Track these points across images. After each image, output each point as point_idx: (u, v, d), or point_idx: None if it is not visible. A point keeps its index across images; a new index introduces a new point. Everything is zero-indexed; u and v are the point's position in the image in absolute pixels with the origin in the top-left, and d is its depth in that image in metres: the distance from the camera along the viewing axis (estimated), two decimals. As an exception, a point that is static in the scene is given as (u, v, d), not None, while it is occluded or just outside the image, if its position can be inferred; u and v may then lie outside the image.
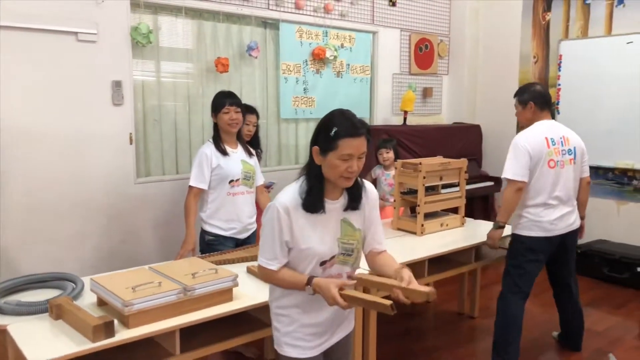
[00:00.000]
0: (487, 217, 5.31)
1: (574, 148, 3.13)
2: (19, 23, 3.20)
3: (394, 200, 3.55)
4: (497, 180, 5.59)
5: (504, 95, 5.78)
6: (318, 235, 1.76)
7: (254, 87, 4.49)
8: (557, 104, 5.27)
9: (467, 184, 3.85)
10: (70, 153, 3.48)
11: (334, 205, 1.79)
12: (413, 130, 5.15)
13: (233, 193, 3.09)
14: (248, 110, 3.43)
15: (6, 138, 3.23)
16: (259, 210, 3.28)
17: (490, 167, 5.81)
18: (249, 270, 2.56)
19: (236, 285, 2.21)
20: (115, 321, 1.91)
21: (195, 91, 4.15)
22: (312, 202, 1.73)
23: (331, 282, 1.70)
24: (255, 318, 2.27)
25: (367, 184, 1.91)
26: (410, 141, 4.99)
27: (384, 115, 5.46)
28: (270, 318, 1.91)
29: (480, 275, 4.04)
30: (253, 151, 3.29)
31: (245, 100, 3.70)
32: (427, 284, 4.19)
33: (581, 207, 3.26)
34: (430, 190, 3.54)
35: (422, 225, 3.38)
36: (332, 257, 1.80)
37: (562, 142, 3.10)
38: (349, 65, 5.05)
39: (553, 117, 3.27)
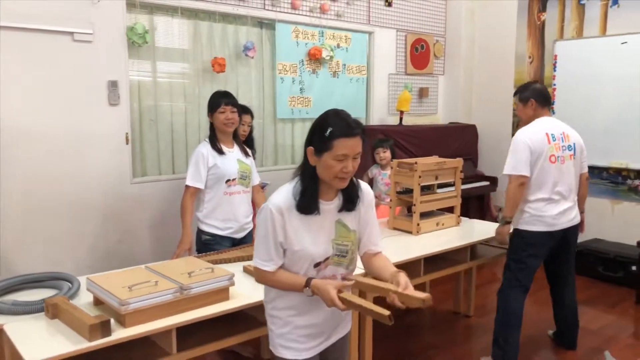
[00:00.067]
0: (482, 216, 5.34)
1: (574, 144, 3.20)
2: (15, 23, 3.20)
3: (390, 200, 3.56)
4: (493, 180, 5.62)
5: (499, 95, 5.83)
6: (311, 237, 1.75)
7: (250, 87, 4.50)
8: (553, 104, 5.29)
9: (463, 183, 3.87)
10: (66, 153, 3.48)
11: (329, 206, 1.78)
12: (409, 130, 5.17)
13: (229, 192, 3.10)
14: (243, 110, 3.44)
15: (2, 138, 3.23)
16: (255, 209, 3.30)
17: (486, 167, 5.84)
18: (246, 270, 2.57)
19: (232, 284, 2.22)
20: (112, 320, 1.91)
21: (191, 91, 4.15)
22: (306, 204, 1.72)
23: (330, 284, 1.70)
24: (251, 317, 2.28)
25: (363, 185, 1.89)
26: (406, 141, 5.00)
27: (380, 115, 5.48)
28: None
29: (475, 275, 4.06)
30: (249, 151, 3.29)
31: (241, 100, 3.71)
32: (423, 284, 4.21)
33: (581, 202, 3.31)
34: (426, 189, 3.55)
35: (418, 224, 3.40)
36: (327, 259, 1.78)
37: (562, 138, 3.16)
38: (345, 65, 5.06)
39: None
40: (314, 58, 4.75)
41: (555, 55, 5.32)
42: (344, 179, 1.71)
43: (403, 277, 1.70)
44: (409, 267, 2.98)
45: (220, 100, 3.07)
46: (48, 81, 3.37)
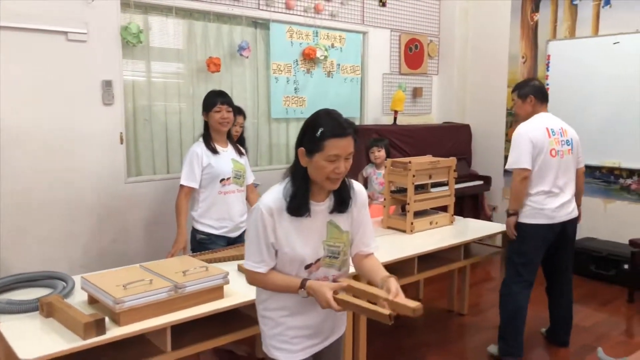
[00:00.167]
0: (476, 215, 5.37)
1: (571, 139, 3.28)
2: (9, 22, 3.19)
3: (384, 199, 3.58)
4: (487, 180, 5.65)
5: (493, 95, 5.86)
6: (302, 238, 1.73)
7: (245, 86, 4.51)
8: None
9: (457, 183, 3.89)
10: (60, 152, 3.48)
11: (320, 207, 1.76)
12: (403, 129, 5.19)
13: (224, 192, 3.11)
14: (236, 111, 3.45)
15: (-4, 138, 3.23)
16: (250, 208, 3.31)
17: (480, 167, 5.87)
18: (240, 269, 2.57)
19: (227, 282, 2.23)
20: (107, 319, 1.92)
21: (185, 91, 4.15)
22: (297, 206, 1.69)
23: (326, 285, 1.68)
24: (246, 315, 2.29)
25: (356, 185, 1.86)
26: (400, 141, 5.02)
27: (374, 115, 5.49)
28: (259, 317, 1.91)
29: (469, 273, 4.08)
30: (243, 150, 3.30)
31: (236, 100, 3.71)
32: (417, 283, 4.21)
33: (578, 195, 3.38)
34: (420, 188, 3.57)
35: (412, 223, 3.41)
36: (317, 260, 1.77)
37: (561, 133, 3.24)
38: (339, 65, 5.08)
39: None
40: (309, 58, 4.76)
41: (548, 55, 5.35)
42: (336, 179, 1.69)
43: (394, 283, 1.67)
44: (403, 265, 3.00)
45: (216, 99, 3.08)
46: (42, 81, 3.37)
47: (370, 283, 1.82)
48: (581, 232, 4.94)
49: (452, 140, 5.60)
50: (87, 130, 3.57)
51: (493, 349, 3.39)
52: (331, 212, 1.77)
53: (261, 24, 4.55)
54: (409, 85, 5.78)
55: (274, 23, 4.55)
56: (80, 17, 3.48)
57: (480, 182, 5.59)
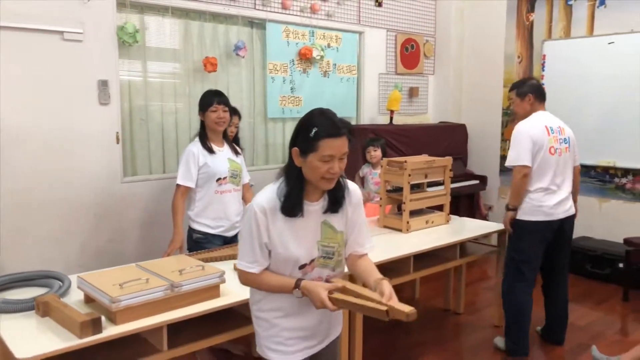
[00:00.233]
0: (472, 215, 5.38)
1: (568, 138, 3.33)
2: (4, 22, 3.19)
3: (380, 199, 3.59)
4: (483, 179, 5.66)
5: (489, 95, 5.88)
6: (295, 239, 1.71)
7: (241, 86, 4.51)
8: (541, 103, 5.34)
9: (453, 182, 3.90)
10: (56, 152, 3.47)
11: (314, 207, 1.74)
12: (399, 129, 5.20)
13: (220, 191, 3.11)
14: (231, 111, 3.45)
15: (-9, 137, 3.22)
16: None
17: (476, 166, 5.89)
18: (236, 268, 2.57)
19: (223, 281, 2.24)
20: (103, 318, 1.92)
21: (182, 91, 4.15)
22: (291, 206, 1.68)
23: (320, 285, 1.67)
24: (242, 314, 2.29)
25: (351, 185, 1.84)
26: (396, 140, 5.03)
27: (370, 114, 5.50)
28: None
29: (465, 272, 4.09)
30: (239, 150, 3.31)
31: (232, 99, 3.71)
32: (413, 282, 4.22)
33: (575, 193, 3.42)
34: (416, 188, 3.58)
35: (408, 222, 3.42)
36: (312, 261, 1.75)
37: (559, 131, 3.29)
38: (335, 65, 5.08)
39: None
40: (305, 58, 4.77)
41: (544, 55, 5.37)
42: (330, 179, 1.67)
43: (387, 286, 1.65)
44: (399, 264, 3.01)
45: (212, 99, 3.08)
46: (38, 80, 3.36)
47: (363, 284, 1.81)
48: (576, 231, 4.93)
49: (448, 140, 5.62)
50: (83, 130, 3.57)
51: (500, 341, 3.45)
52: (325, 212, 1.76)
53: (257, 24, 4.55)
54: (405, 85, 5.79)
55: (270, 23, 4.55)
56: (76, 17, 3.48)
57: (476, 182, 5.60)
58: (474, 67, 6.01)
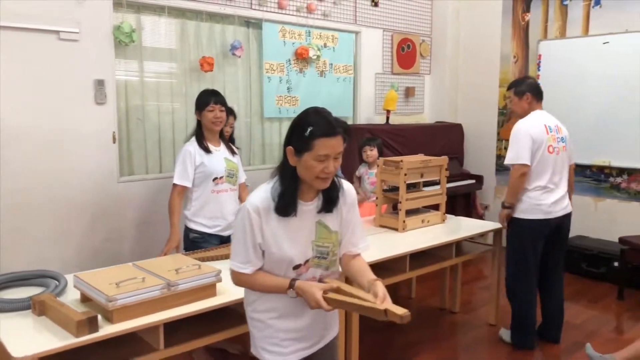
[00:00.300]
0: (469, 214, 5.40)
1: (565, 136, 3.37)
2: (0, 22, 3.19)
3: (377, 198, 3.60)
4: (479, 179, 5.68)
5: (485, 94, 5.90)
6: (290, 239, 1.70)
7: (238, 86, 4.51)
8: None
9: (449, 182, 3.92)
10: (53, 152, 3.47)
11: (309, 207, 1.73)
12: (396, 129, 5.21)
13: (217, 191, 3.12)
14: (227, 111, 3.45)
15: (-13, 137, 3.22)
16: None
17: (472, 166, 5.90)
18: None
19: (219, 280, 2.24)
20: (99, 317, 1.92)
21: (178, 90, 4.16)
22: (285, 206, 1.67)
23: (315, 285, 1.66)
24: (238, 313, 2.29)
25: (345, 184, 1.83)
26: (393, 140, 5.04)
27: (366, 114, 5.51)
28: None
29: (461, 271, 4.11)
30: (236, 149, 3.31)
31: (228, 99, 3.72)
32: (409, 280, 4.23)
33: (570, 191, 3.46)
34: (412, 187, 3.59)
35: (404, 221, 3.43)
36: (307, 261, 1.74)
37: (556, 130, 3.32)
38: (332, 64, 5.09)
39: None
40: (301, 57, 4.77)
41: (540, 55, 5.39)
42: (325, 179, 1.66)
43: (381, 287, 1.63)
44: (395, 263, 3.02)
45: (209, 98, 3.08)
46: (34, 80, 3.36)
47: (357, 285, 1.79)
48: (572, 231, 4.95)
49: (445, 139, 5.63)
50: (79, 130, 3.57)
51: (504, 333, 3.50)
52: (319, 211, 1.75)
53: (254, 24, 4.56)
54: (402, 84, 5.81)
55: (267, 23, 4.56)
56: (72, 17, 3.47)
57: (472, 181, 5.62)
58: (470, 67, 6.03)
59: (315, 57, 4.84)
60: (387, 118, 5.44)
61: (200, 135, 3.12)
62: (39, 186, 3.42)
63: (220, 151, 3.16)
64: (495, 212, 3.33)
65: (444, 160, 3.68)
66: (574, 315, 3.97)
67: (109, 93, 3.68)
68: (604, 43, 4.91)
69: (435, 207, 3.72)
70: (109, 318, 1.95)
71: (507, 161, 3.28)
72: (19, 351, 1.73)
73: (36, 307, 2.02)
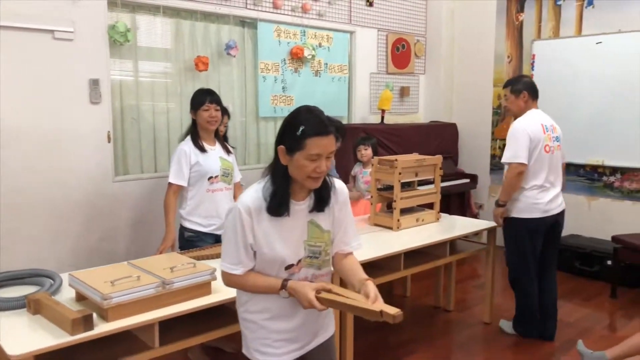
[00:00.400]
0: (463, 213, 5.41)
1: (559, 136, 3.42)
2: (-5, 21, 3.19)
3: (371, 197, 3.61)
4: (473, 178, 5.70)
5: (479, 94, 5.92)
6: (282, 239, 1.68)
7: (233, 85, 4.52)
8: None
9: (444, 181, 3.93)
10: (47, 151, 3.47)
11: (300, 206, 1.71)
12: (390, 128, 5.22)
13: (212, 190, 3.12)
14: (222, 111, 3.45)
15: (-18, 136, 3.22)
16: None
17: (466, 165, 5.93)
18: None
19: (214, 278, 2.24)
20: (94, 315, 1.93)
21: (173, 90, 4.16)
22: (277, 206, 1.65)
23: (307, 285, 1.65)
24: (233, 311, 2.27)
25: (337, 183, 1.82)
26: (387, 139, 5.06)
27: (361, 114, 5.53)
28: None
29: (455, 270, 4.12)
30: (231, 148, 3.32)
31: (223, 98, 3.72)
32: (404, 279, 4.23)
33: (562, 188, 3.50)
34: (406, 186, 3.61)
35: (398, 220, 3.45)
36: (299, 261, 1.73)
37: (552, 129, 3.36)
38: (327, 64, 5.10)
39: None
40: (296, 57, 4.78)
41: (533, 55, 5.42)
42: (317, 178, 1.64)
43: (372, 288, 1.62)
44: (389, 262, 3.03)
45: (204, 97, 3.08)
46: (28, 80, 3.36)
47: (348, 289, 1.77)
48: (566, 229, 4.98)
49: (439, 139, 5.65)
50: (74, 129, 3.57)
51: (505, 324, 3.59)
52: (311, 211, 1.73)
53: (249, 23, 4.57)
54: (396, 84, 5.83)
55: (262, 22, 4.57)
56: (67, 16, 3.47)
57: (467, 181, 5.64)
58: (464, 67, 6.06)
59: (310, 56, 4.85)
60: (382, 117, 5.46)
61: (195, 135, 3.12)
62: (34, 186, 3.42)
63: (215, 150, 3.16)
64: (490, 211, 3.35)
65: (438, 159, 3.70)
66: (567, 313, 3.99)
67: (103, 92, 3.68)
68: (597, 43, 4.94)
69: (430, 206, 3.74)
70: (104, 316, 1.96)
71: (505, 160, 3.30)
72: (14, 349, 1.73)
73: (31, 305, 2.03)
